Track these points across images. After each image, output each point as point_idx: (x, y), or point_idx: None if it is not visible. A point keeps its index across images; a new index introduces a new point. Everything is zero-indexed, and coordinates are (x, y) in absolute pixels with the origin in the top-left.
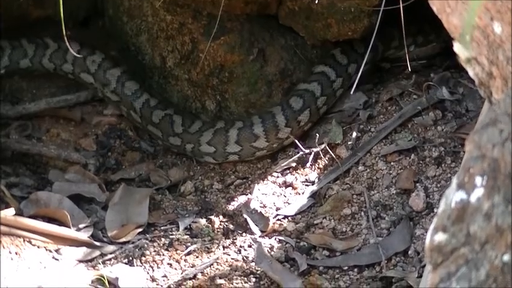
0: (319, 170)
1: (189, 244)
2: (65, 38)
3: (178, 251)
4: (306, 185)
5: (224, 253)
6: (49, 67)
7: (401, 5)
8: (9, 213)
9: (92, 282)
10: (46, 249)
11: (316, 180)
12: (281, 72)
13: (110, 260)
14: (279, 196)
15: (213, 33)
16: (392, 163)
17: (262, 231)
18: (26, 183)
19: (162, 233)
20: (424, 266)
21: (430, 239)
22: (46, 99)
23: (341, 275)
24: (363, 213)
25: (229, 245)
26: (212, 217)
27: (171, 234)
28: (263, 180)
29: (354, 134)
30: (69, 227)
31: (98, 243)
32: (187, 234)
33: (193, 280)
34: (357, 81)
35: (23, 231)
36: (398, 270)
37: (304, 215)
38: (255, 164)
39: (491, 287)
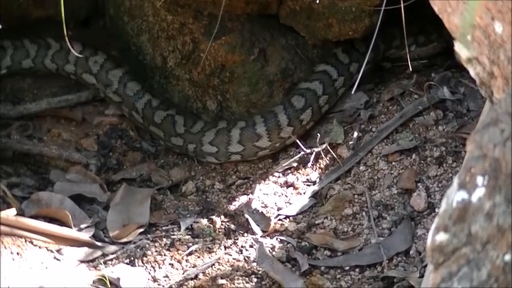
0: (320, 170)
1: (190, 244)
2: (66, 38)
3: (179, 251)
4: (307, 185)
5: (226, 253)
6: (51, 67)
7: (402, 5)
8: (10, 213)
9: (94, 282)
10: (47, 250)
11: (318, 180)
12: (282, 72)
13: (111, 260)
14: (281, 196)
15: (214, 33)
16: (393, 163)
17: (263, 231)
18: (27, 184)
19: (163, 233)
20: (426, 266)
21: (431, 239)
22: (47, 99)
23: (342, 275)
24: (364, 213)
25: (231, 245)
26: (213, 217)
27: (173, 235)
28: (264, 180)
29: (355, 134)
30: (71, 227)
31: (99, 244)
32: (189, 235)
33: (195, 280)
34: (358, 80)
35: (24, 231)
36: (399, 270)
37: (305, 215)
38: (257, 164)
39: (492, 287)
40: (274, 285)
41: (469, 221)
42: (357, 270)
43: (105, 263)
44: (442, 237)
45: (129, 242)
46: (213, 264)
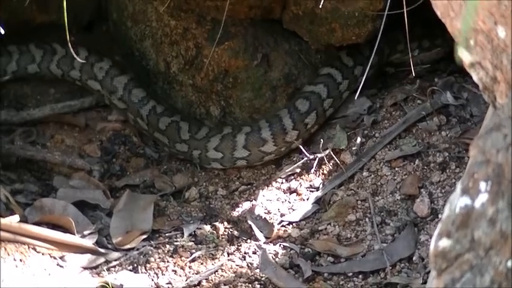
0: (323, 176)
1: (193, 251)
2: (69, 44)
3: (182, 258)
4: (310, 191)
5: (229, 260)
6: (57, 73)
7: (405, 10)
8: (13, 220)
9: None
10: (51, 256)
11: (321, 186)
12: (285, 77)
13: (114, 266)
14: (284, 202)
15: (217, 38)
16: (396, 168)
17: (266, 238)
18: (30, 190)
19: (166, 240)
20: (429, 272)
21: (434, 245)
22: (50, 105)
23: (346, 282)
24: (367, 219)
25: (234, 251)
26: (217, 223)
27: (176, 241)
28: (267, 186)
29: (358, 140)
30: (74, 234)
31: (102, 250)
32: (192, 241)
33: (198, 287)
34: (361, 83)
35: (27, 238)
36: (403, 276)
37: (308, 221)
38: (260, 170)
39: None
40: None
41: (472, 227)
42: (360, 276)
43: (108, 269)
44: (445, 243)
45: (132, 249)
46: (216, 271)
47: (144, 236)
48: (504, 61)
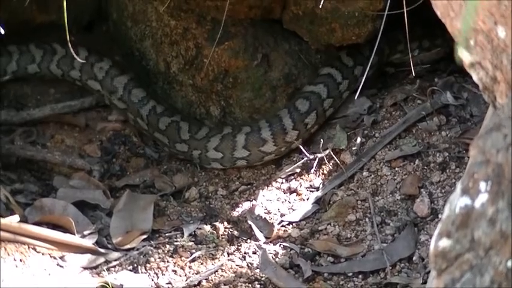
0: (323, 176)
1: (193, 251)
2: (69, 44)
3: (182, 258)
4: (310, 191)
5: (229, 260)
6: (57, 73)
7: (405, 10)
8: (13, 220)
9: None
10: (51, 256)
11: (321, 186)
12: (285, 77)
13: (114, 266)
14: (284, 202)
15: (217, 38)
16: (396, 168)
17: (266, 238)
18: (30, 190)
19: (166, 240)
20: (429, 272)
21: (434, 245)
22: (50, 105)
23: (346, 282)
24: (367, 219)
25: (234, 251)
26: (217, 223)
27: (176, 241)
28: (267, 186)
29: (358, 140)
30: (74, 234)
31: (102, 250)
32: (192, 241)
33: (198, 287)
34: (362, 83)
35: (27, 238)
36: (403, 276)
37: (308, 221)
38: (260, 170)
39: None
40: None
41: (472, 227)
42: (360, 276)
43: (108, 269)
44: (445, 243)
45: (132, 249)
46: (216, 271)
47: (144, 236)
48: (504, 61)
